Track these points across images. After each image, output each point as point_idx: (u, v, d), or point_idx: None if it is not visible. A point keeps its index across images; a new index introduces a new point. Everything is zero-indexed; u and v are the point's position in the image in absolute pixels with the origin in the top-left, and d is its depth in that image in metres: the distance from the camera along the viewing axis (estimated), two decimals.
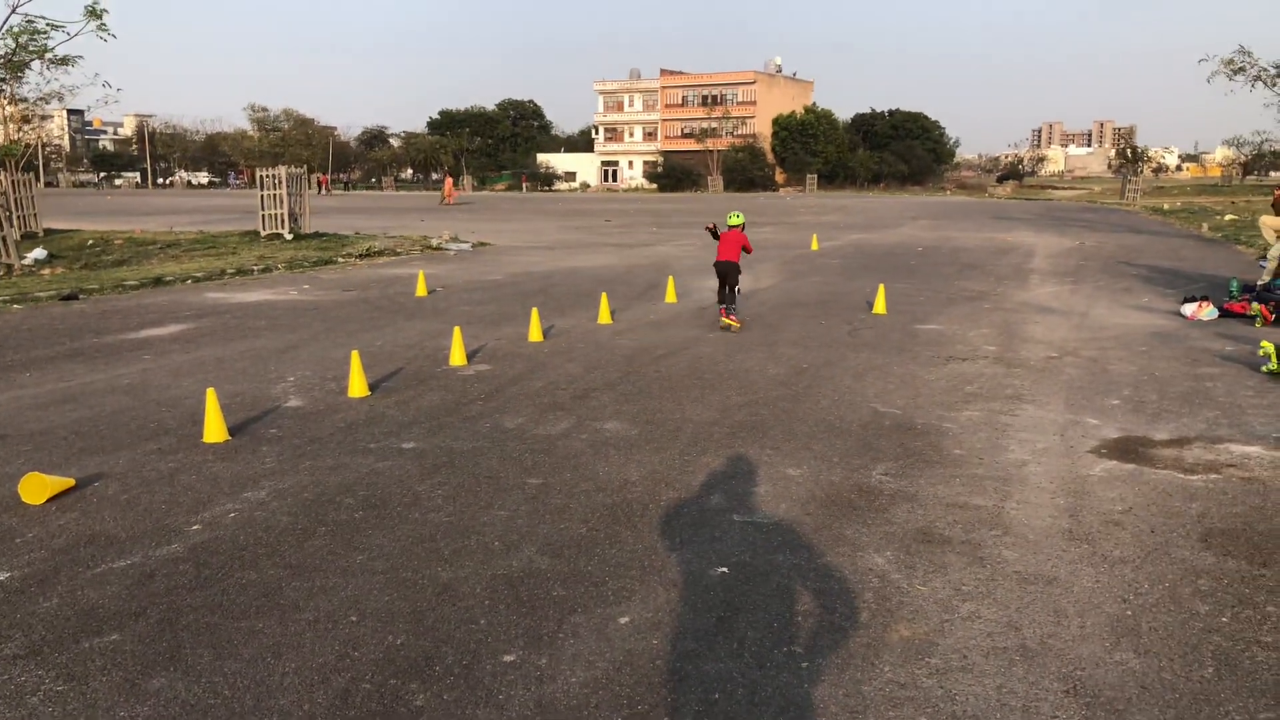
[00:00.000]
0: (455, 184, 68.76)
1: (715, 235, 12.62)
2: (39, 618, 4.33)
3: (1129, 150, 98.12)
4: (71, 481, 6.13)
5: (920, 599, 4.49)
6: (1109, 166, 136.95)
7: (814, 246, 24.83)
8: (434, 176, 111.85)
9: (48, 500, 5.85)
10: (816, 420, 7.68)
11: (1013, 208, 53.41)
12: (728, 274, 12.17)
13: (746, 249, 12.46)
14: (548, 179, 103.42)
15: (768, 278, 18.01)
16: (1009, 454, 6.79)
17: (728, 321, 12.00)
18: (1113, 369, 9.61)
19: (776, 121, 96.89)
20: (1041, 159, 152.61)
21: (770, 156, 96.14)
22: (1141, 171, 64.91)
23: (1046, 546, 5.10)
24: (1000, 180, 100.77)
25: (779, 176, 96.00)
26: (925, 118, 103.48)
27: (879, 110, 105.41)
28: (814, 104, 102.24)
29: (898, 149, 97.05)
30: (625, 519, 5.53)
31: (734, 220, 12.51)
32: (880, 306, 13.48)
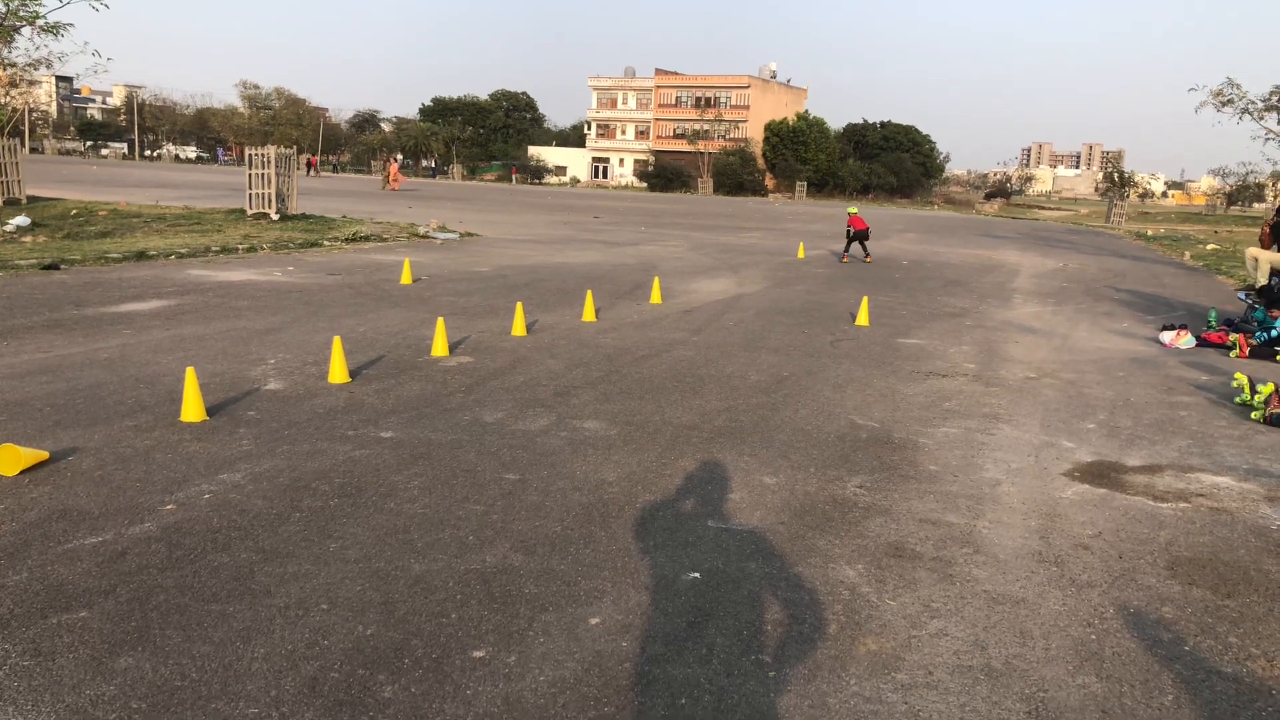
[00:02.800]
0: (447, 172, 67.90)
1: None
2: (7, 591, 4.30)
3: (1116, 174, 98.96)
4: (45, 455, 6.10)
5: (889, 613, 4.53)
6: (1096, 189, 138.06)
7: (800, 254, 24.92)
8: (424, 163, 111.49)
9: (21, 472, 5.81)
10: (795, 429, 7.72)
11: (999, 225, 53.75)
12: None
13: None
14: (538, 172, 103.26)
15: (753, 284, 18.06)
16: (984, 472, 6.85)
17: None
18: (1090, 393, 9.71)
19: (769, 127, 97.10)
20: (1030, 178, 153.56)
21: (761, 162, 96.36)
22: (1127, 196, 65.49)
23: (1016, 567, 5.16)
24: (988, 197, 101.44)
25: (769, 182, 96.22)
26: (916, 131, 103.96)
27: (871, 121, 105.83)
28: (806, 111, 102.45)
29: (888, 161, 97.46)
30: (600, 519, 5.55)
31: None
32: (863, 318, 13.55)
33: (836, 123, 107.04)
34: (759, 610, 4.48)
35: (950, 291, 18.43)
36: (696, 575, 4.83)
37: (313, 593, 4.44)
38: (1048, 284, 21.03)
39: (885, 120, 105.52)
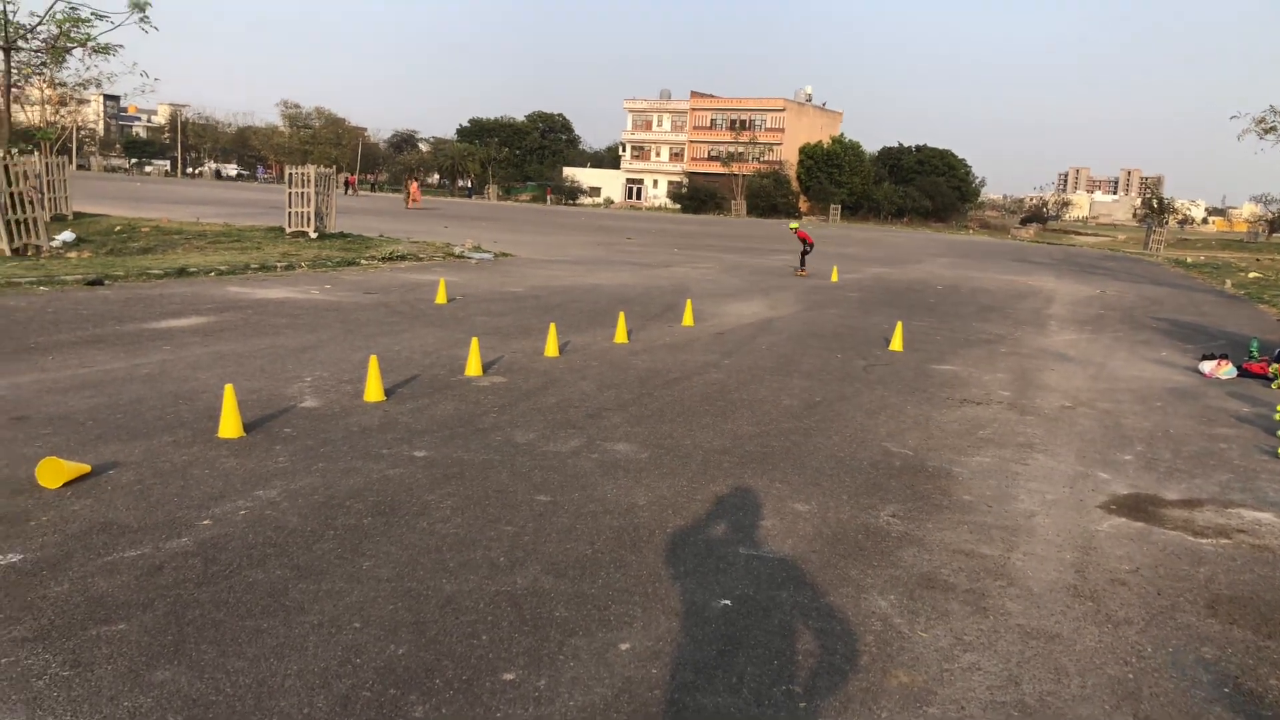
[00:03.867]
0: (483, 192, 68.72)
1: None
2: (49, 602, 4.38)
3: (1155, 200, 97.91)
4: (87, 468, 6.20)
5: (921, 646, 4.49)
6: (1134, 215, 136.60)
7: (834, 278, 24.87)
8: (460, 183, 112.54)
9: (63, 485, 5.91)
10: (827, 456, 7.69)
11: (1035, 251, 53.34)
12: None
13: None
14: (572, 193, 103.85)
15: (786, 307, 18.04)
16: (1018, 503, 6.79)
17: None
18: (1127, 423, 9.60)
19: (803, 150, 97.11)
20: (1066, 203, 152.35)
21: (795, 184, 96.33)
22: (1166, 222, 64.73)
23: (1051, 601, 5.10)
24: (1024, 222, 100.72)
25: (803, 205, 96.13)
26: (952, 155, 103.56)
27: (906, 145, 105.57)
28: (842, 135, 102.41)
29: (923, 185, 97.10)
30: (631, 543, 5.55)
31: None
32: (897, 343, 13.49)
33: (872, 146, 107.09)
34: (790, 640, 4.46)
35: (985, 317, 18.30)
36: (727, 603, 4.82)
37: (346, 611, 4.47)
38: (1084, 311, 20.83)
39: (921, 144, 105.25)
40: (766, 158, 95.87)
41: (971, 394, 10.62)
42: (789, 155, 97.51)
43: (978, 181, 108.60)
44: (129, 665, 3.88)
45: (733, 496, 6.52)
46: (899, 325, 14.09)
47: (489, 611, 4.56)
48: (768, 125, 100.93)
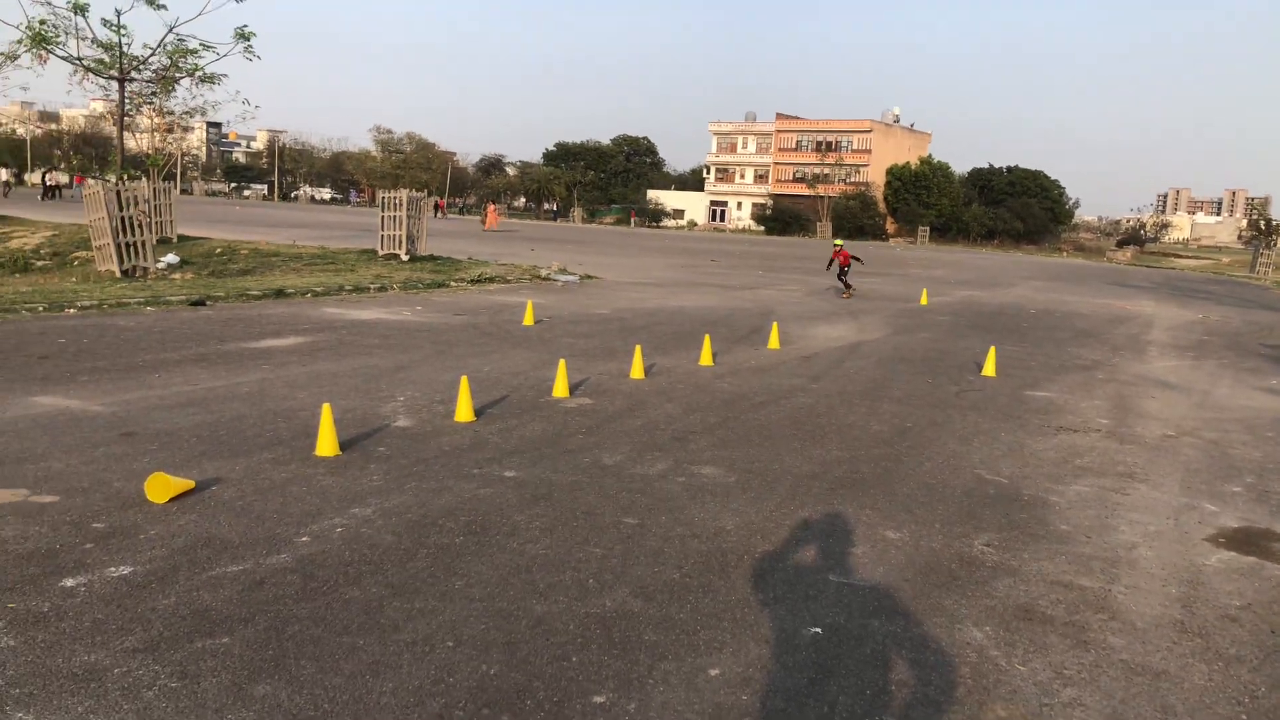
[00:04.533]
0: (568, 215, 69.62)
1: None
2: (157, 614, 4.54)
3: (1262, 221, 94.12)
4: (192, 484, 6.42)
5: (1019, 679, 4.37)
6: (1239, 237, 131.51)
7: (923, 301, 24.47)
8: (546, 206, 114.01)
9: (170, 500, 6.13)
10: (918, 483, 7.56)
11: (1132, 274, 51.77)
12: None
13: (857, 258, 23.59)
14: (655, 215, 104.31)
15: (874, 330, 17.81)
16: (1119, 534, 6.57)
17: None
18: (1235, 453, 9.22)
19: (890, 171, 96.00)
20: (1165, 225, 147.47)
21: (882, 206, 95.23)
22: (1275, 244, 62.03)
23: (1156, 637, 4.91)
24: (1120, 245, 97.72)
25: (890, 226, 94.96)
26: (1044, 176, 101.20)
27: (997, 166, 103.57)
28: (930, 156, 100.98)
29: (1014, 206, 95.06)
30: (719, 568, 5.52)
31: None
32: (990, 369, 13.21)
33: (961, 167, 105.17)
34: (883, 670, 4.38)
35: (1081, 343, 17.81)
36: (818, 630, 4.75)
37: (439, 629, 4.54)
38: (1186, 336, 20.11)
39: (1012, 165, 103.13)
40: (853, 179, 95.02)
41: (1068, 421, 10.33)
42: (876, 177, 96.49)
43: (1071, 203, 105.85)
44: (232, 679, 3.99)
45: (822, 522, 6.44)
46: (992, 350, 13.79)
47: (579, 633, 4.58)
48: (854, 146, 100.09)
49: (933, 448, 8.76)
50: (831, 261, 24.89)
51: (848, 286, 24.64)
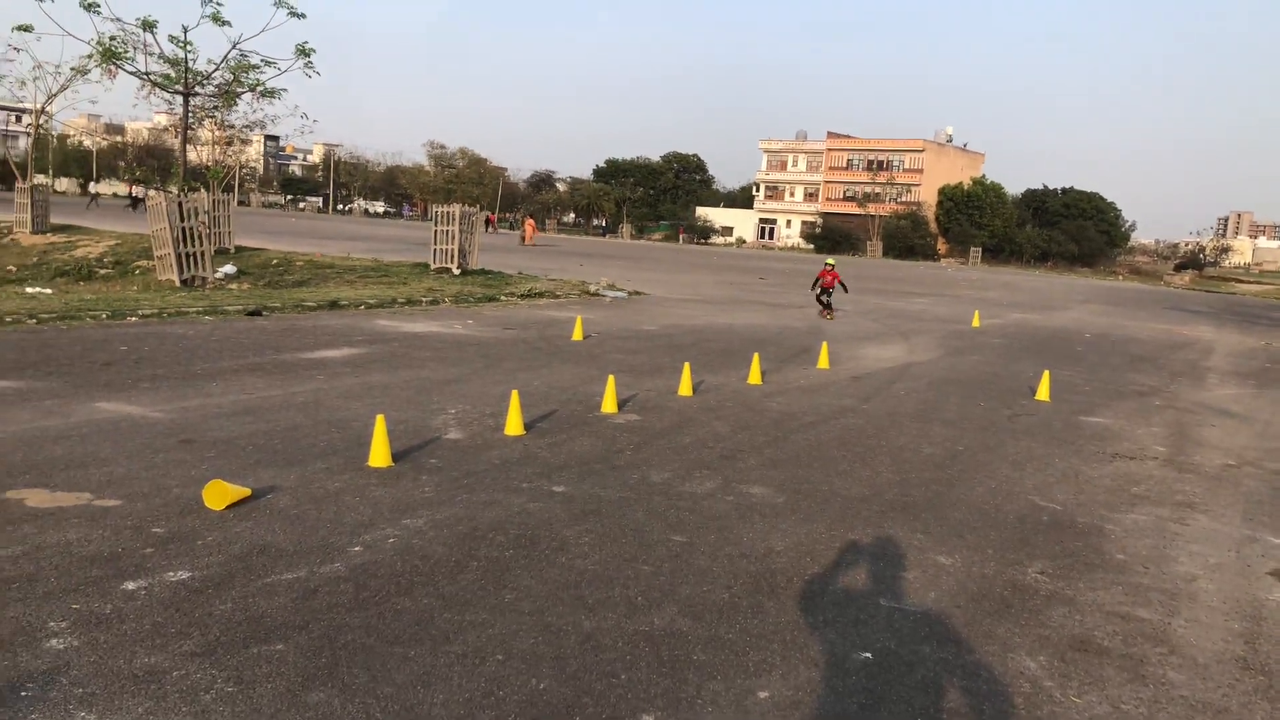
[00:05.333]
0: (617, 231, 69.88)
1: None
2: (215, 619, 4.62)
3: None
4: (248, 491, 6.53)
5: (1074, 712, 4.29)
6: None
7: (975, 323, 24.19)
8: (595, 222, 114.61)
9: (227, 507, 6.24)
10: (971, 507, 7.46)
11: (1191, 299, 50.75)
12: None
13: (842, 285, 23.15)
14: (704, 232, 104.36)
15: (924, 352, 17.64)
16: (1178, 566, 6.43)
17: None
18: None
19: (943, 191, 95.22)
20: (1226, 249, 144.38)
21: (933, 226, 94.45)
22: None
23: (1217, 673, 4.79)
24: (1178, 268, 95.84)
25: (941, 247, 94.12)
26: (1100, 198, 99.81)
27: (1051, 187, 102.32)
28: (983, 176, 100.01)
29: (1068, 228, 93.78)
30: (768, 589, 5.50)
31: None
32: (1043, 393, 13.01)
33: (1015, 188, 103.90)
34: (935, 697, 4.33)
35: (1137, 368, 17.49)
36: (868, 655, 4.71)
37: (489, 642, 4.56)
38: (1247, 364, 19.67)
39: (1067, 186, 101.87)
40: (904, 199, 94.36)
41: (1124, 448, 10.14)
42: (927, 196, 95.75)
43: (1128, 225, 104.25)
44: (287, 685, 4.05)
45: (872, 546, 6.38)
46: (1046, 374, 13.59)
47: (627, 650, 4.58)
48: (906, 166, 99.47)
49: (985, 472, 8.65)
50: (816, 281, 23.71)
51: (827, 308, 23.52)
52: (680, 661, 4.51)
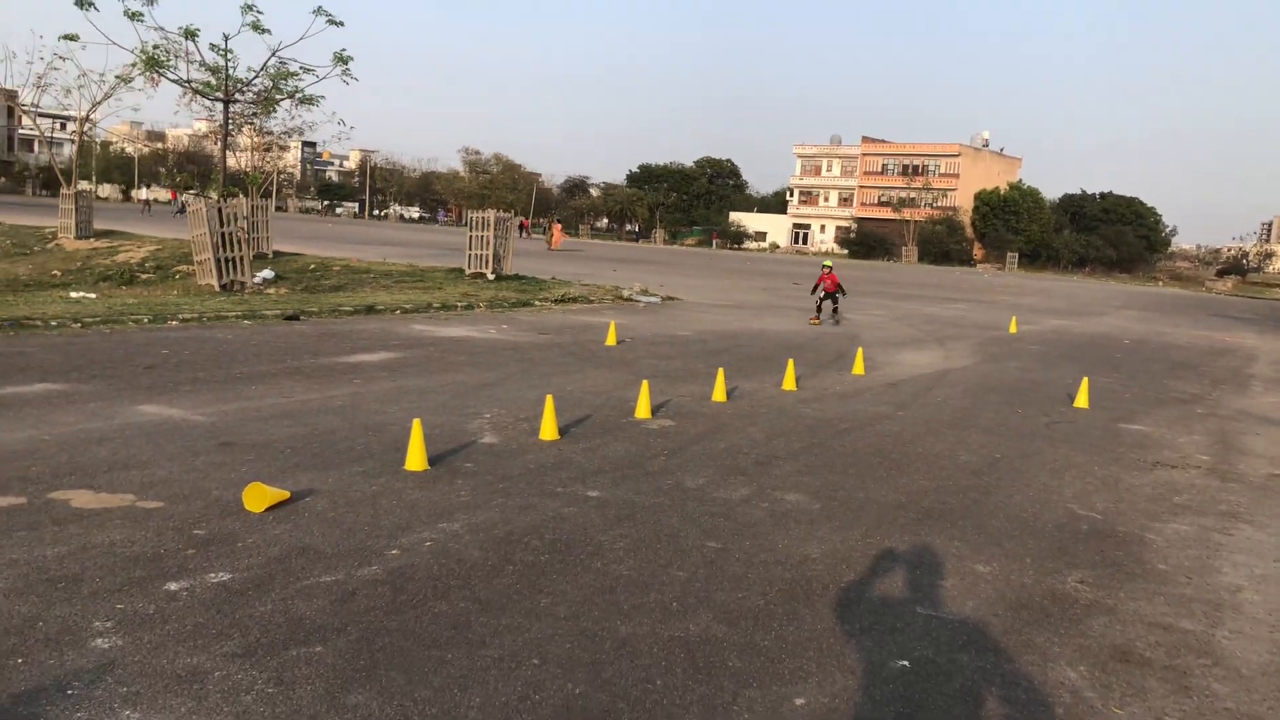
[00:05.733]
0: (649, 236, 69.94)
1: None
2: (254, 621, 4.67)
3: None
4: (287, 494, 6.60)
5: None
6: None
7: (1012, 329, 23.96)
8: (628, 227, 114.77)
9: (266, 509, 6.31)
10: (1008, 516, 7.39)
11: (1233, 305, 49.95)
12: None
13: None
14: (738, 237, 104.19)
15: (961, 358, 17.50)
16: (1221, 576, 6.33)
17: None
18: None
19: (979, 196, 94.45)
20: (1270, 254, 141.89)
21: (969, 231, 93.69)
22: None
23: (1264, 686, 4.71)
24: (1220, 274, 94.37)
25: (977, 252, 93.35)
26: (1140, 203, 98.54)
27: (1090, 192, 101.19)
28: (1020, 181, 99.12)
29: (1106, 233, 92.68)
30: (804, 596, 5.47)
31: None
32: (1082, 400, 12.86)
33: (1052, 193, 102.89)
34: (973, 706, 4.29)
35: (1178, 375, 17.23)
36: (905, 664, 4.67)
37: (524, 647, 4.58)
38: None
39: (1105, 191, 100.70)
40: (940, 204, 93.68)
41: (1165, 456, 10.00)
42: (963, 201, 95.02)
43: (1168, 230, 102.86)
44: (326, 687, 4.09)
45: (909, 553, 6.34)
46: (1084, 381, 13.43)
47: (663, 656, 4.58)
48: (942, 171, 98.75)
49: (1023, 480, 8.57)
50: (817, 286, 22.67)
51: (818, 311, 22.61)
52: (716, 668, 4.50)
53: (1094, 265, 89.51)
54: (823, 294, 22.50)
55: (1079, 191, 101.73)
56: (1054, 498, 8.03)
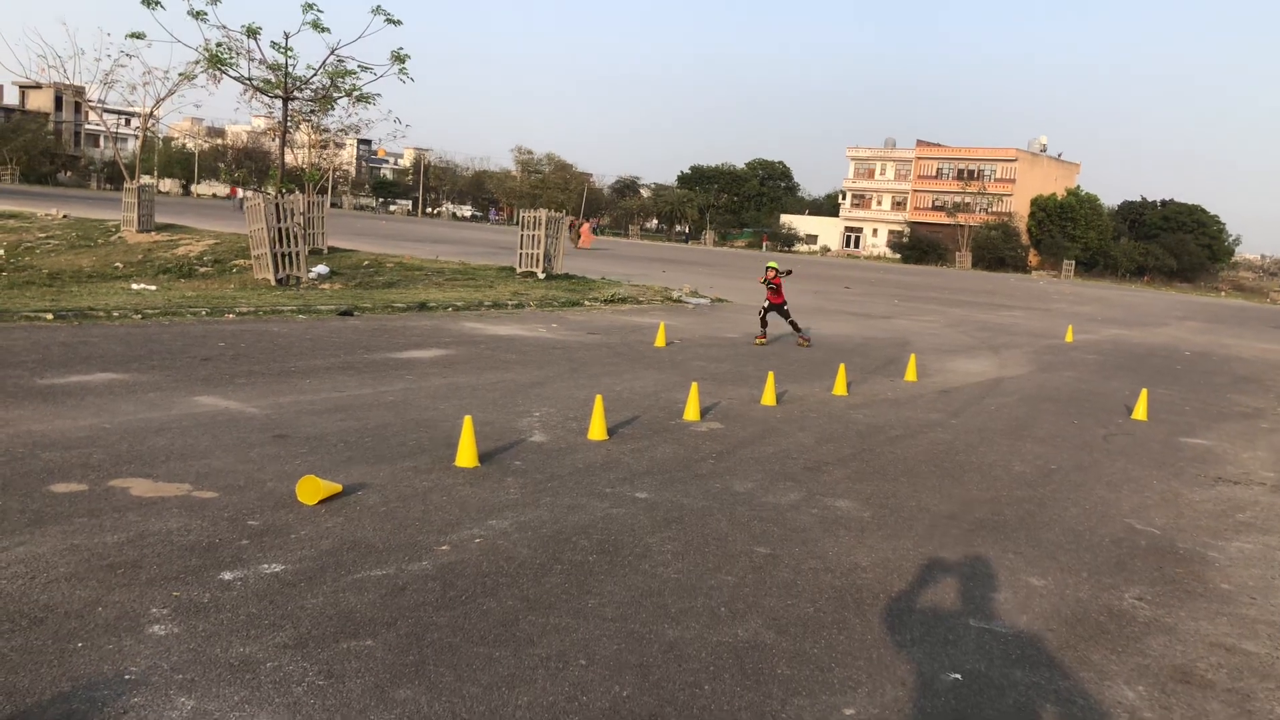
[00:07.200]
0: (699, 237, 69.71)
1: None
2: (306, 613, 4.72)
3: None
4: (339, 487, 6.67)
5: None
6: None
7: (1068, 338, 23.53)
8: (677, 228, 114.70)
9: (319, 502, 6.38)
10: (1064, 529, 7.24)
11: None
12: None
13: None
14: (788, 240, 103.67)
15: (1015, 366, 17.22)
16: None
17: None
18: None
19: (1035, 202, 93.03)
20: None
21: (1025, 237, 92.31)
22: None
23: None
24: None
25: (1032, 259, 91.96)
26: (1202, 211, 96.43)
27: (1150, 200, 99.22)
28: (1078, 187, 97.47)
29: (1167, 242, 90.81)
30: (854, 605, 5.41)
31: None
32: (1140, 412, 12.58)
33: (1111, 200, 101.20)
34: None
35: (1241, 389, 16.80)
36: (957, 676, 4.59)
37: (572, 647, 4.58)
38: None
39: (1166, 199, 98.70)
40: (995, 209, 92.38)
41: (1228, 472, 9.75)
42: (1019, 207, 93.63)
43: (1232, 239, 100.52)
44: (375, 681, 4.11)
45: (962, 564, 6.24)
46: (1143, 392, 13.14)
47: (711, 661, 4.55)
48: (997, 175, 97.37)
49: (1079, 492, 8.40)
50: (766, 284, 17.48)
51: (764, 326, 17.50)
52: (765, 675, 4.45)
53: (1153, 274, 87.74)
54: (766, 305, 17.36)
55: (1139, 199, 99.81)
56: (1111, 511, 7.86)
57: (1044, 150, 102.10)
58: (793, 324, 17.38)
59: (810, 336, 17.99)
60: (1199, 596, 6.03)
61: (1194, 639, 5.33)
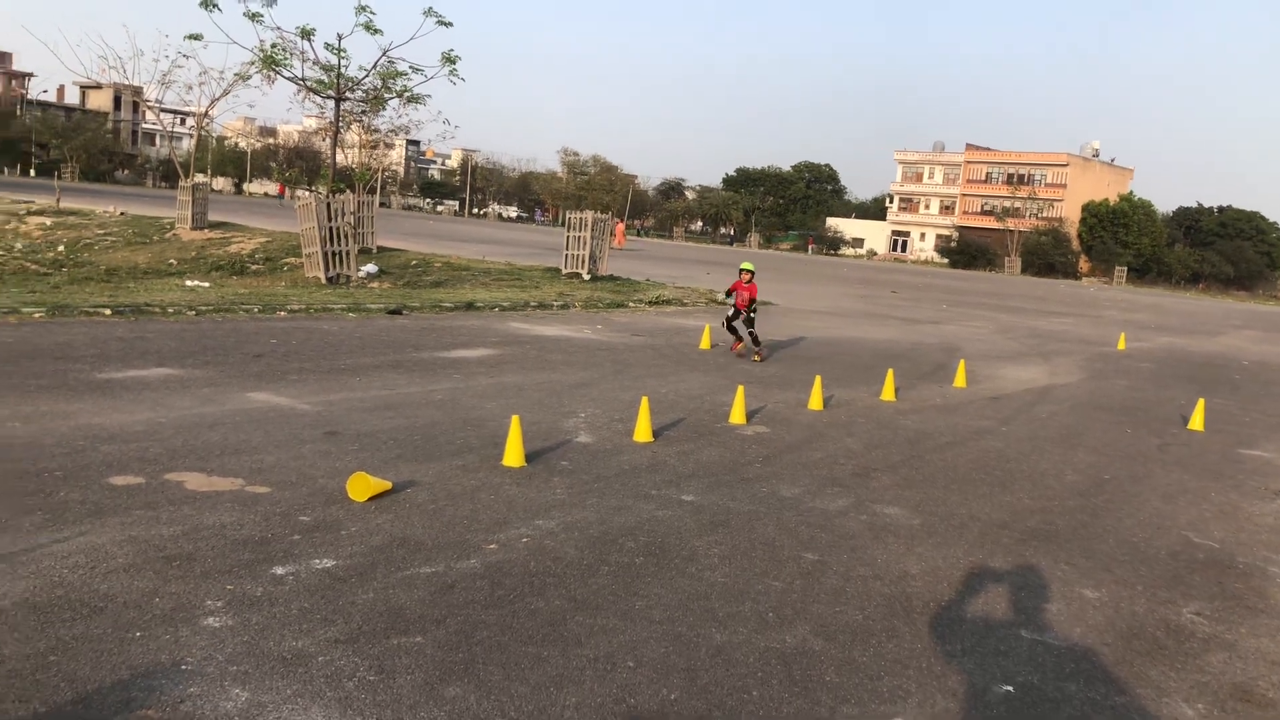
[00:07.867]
0: (744, 240, 69.47)
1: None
2: (357, 608, 4.76)
3: None
4: (389, 485, 6.73)
5: None
6: None
7: (1121, 346, 23.12)
8: (722, 230, 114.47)
9: (369, 499, 6.44)
10: (1118, 540, 7.11)
11: None
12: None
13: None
14: (834, 243, 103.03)
15: (1067, 374, 16.95)
16: None
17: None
18: None
19: (1086, 208, 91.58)
20: None
21: (1075, 243, 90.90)
22: None
23: None
24: None
25: (1083, 265, 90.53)
26: (1261, 217, 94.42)
27: (1206, 206, 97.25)
28: (1130, 193, 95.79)
29: (1223, 249, 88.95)
30: (903, 613, 5.35)
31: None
32: (1197, 422, 12.32)
33: (1165, 206, 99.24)
34: None
35: None
36: (1009, 689, 4.52)
37: (620, 648, 4.57)
38: None
39: (1223, 205, 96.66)
40: (1045, 214, 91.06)
41: None
42: (1070, 213, 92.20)
43: None
44: (425, 678, 4.14)
45: (1013, 574, 6.15)
46: (1200, 402, 12.86)
47: (759, 667, 4.52)
48: (1048, 180, 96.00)
49: (1134, 504, 8.24)
50: (730, 293, 15.77)
51: (735, 333, 15.74)
52: (813, 682, 4.42)
53: (1208, 281, 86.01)
54: (732, 312, 15.57)
55: (1195, 205, 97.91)
56: (1168, 523, 7.70)
57: (1096, 155, 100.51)
58: (752, 334, 15.30)
59: (767, 353, 15.60)
60: (1260, 613, 5.88)
61: (1255, 656, 5.20)
